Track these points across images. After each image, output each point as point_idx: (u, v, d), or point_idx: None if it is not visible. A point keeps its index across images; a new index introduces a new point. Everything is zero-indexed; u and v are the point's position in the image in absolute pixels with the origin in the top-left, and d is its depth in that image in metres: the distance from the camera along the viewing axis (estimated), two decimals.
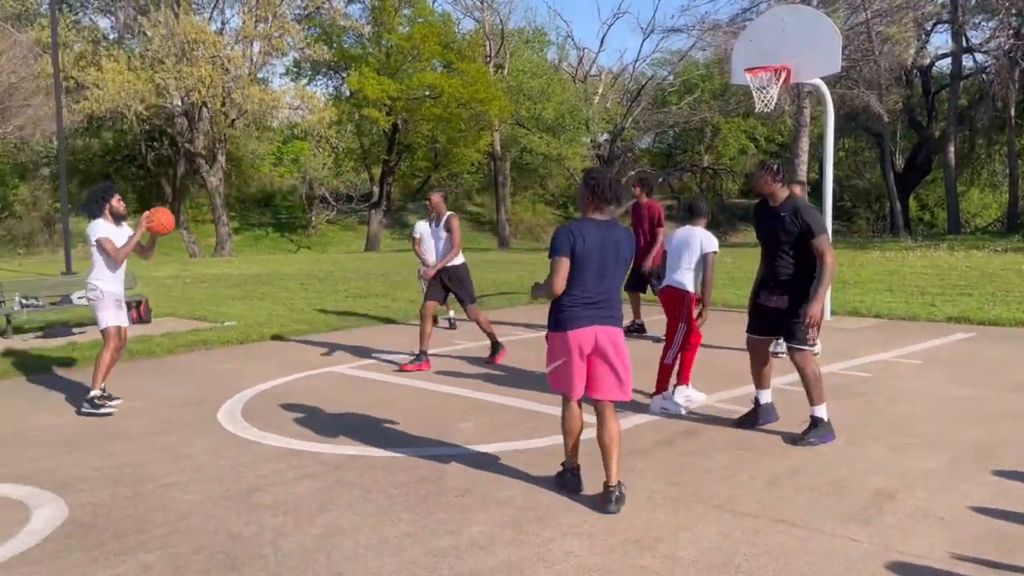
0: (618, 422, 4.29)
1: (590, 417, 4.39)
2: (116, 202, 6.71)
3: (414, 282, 16.63)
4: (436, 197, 8.34)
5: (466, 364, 8.24)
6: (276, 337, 10.05)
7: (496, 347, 8.31)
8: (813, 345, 5.34)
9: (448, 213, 8.20)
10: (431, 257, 9.20)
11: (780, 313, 5.37)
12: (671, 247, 6.46)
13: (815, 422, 5.32)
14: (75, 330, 10.57)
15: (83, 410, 6.49)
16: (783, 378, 7.09)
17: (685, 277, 6.30)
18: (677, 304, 6.30)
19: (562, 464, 4.52)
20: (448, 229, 8.10)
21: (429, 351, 8.13)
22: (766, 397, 5.67)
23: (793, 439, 5.30)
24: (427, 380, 7.48)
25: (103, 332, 6.67)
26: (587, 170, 4.36)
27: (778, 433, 5.48)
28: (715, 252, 6.29)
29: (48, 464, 5.17)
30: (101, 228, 6.58)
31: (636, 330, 9.78)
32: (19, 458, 5.32)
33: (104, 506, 4.41)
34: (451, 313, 11.06)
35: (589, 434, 4.41)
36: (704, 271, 6.29)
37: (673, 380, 6.31)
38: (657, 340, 9.35)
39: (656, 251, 9.25)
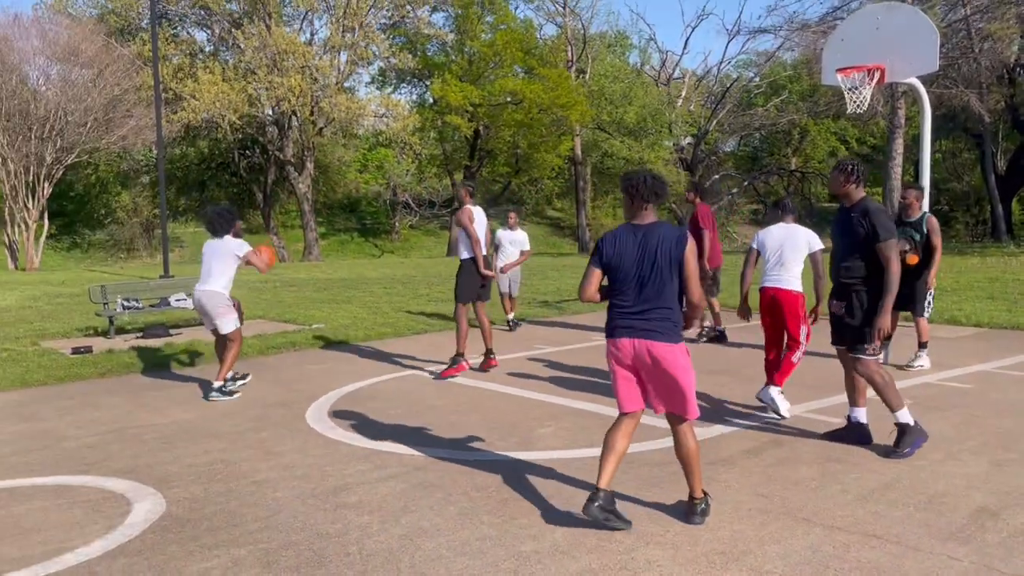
0: (693, 436, 4.08)
1: (657, 426, 4.32)
2: (239, 226, 7.59)
3: (494, 287, 16.74)
4: (461, 190, 8.07)
5: (545, 368, 8.23)
6: (340, 342, 10.25)
7: (455, 360, 7.89)
8: (873, 355, 5.11)
9: (464, 206, 7.87)
10: (499, 263, 10.58)
11: (840, 319, 5.21)
12: (766, 246, 6.30)
13: (902, 429, 5.10)
14: (172, 331, 11.02)
15: (211, 397, 7.24)
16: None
17: (794, 276, 6.16)
18: (795, 305, 6.13)
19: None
20: (458, 224, 7.89)
21: (500, 353, 8.08)
22: (860, 416, 5.39)
23: (886, 452, 5.10)
24: (507, 384, 7.50)
25: (231, 335, 7.37)
26: (623, 174, 4.18)
27: (872, 446, 5.29)
28: (823, 249, 6.18)
29: (147, 460, 5.40)
30: (245, 245, 7.43)
31: (716, 338, 9.62)
32: (122, 453, 5.57)
33: (199, 501, 4.58)
34: (511, 316, 11.15)
35: (664, 443, 4.33)
36: (816, 270, 6.16)
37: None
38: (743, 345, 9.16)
39: (706, 254, 9.34)
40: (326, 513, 4.34)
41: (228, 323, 7.37)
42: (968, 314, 10.85)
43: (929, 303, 8.06)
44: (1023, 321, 10.24)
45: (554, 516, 4.21)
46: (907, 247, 7.48)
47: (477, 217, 7.84)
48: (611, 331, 4.09)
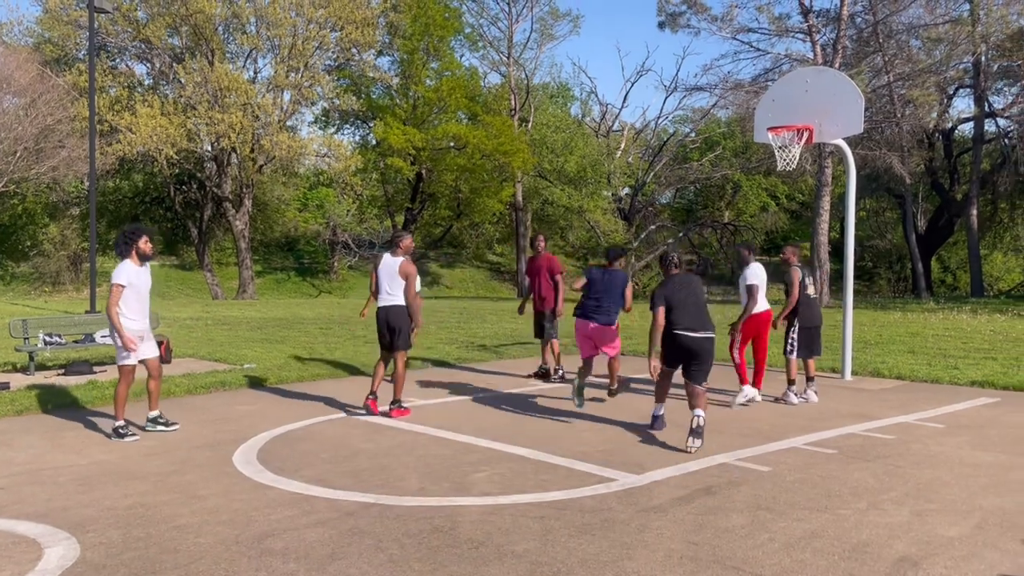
0: None
1: (591, 473, 4.33)
2: (143, 244, 7.02)
3: (434, 330, 16.66)
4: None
5: (481, 412, 8.20)
6: (272, 383, 10.06)
7: (397, 403, 8.11)
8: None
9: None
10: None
11: None
12: (743, 283, 8.81)
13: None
14: (96, 368, 10.65)
15: (147, 428, 7.18)
16: (804, 436, 7.02)
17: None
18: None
19: None
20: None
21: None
22: (658, 410, 7.45)
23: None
24: (442, 428, 7.44)
25: (120, 368, 7.01)
26: None
27: (799, 495, 5.39)
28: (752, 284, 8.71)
29: (63, 503, 5.17)
30: (121, 272, 6.87)
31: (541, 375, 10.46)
32: (35, 496, 5.32)
33: (116, 547, 4.39)
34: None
35: (594, 490, 4.33)
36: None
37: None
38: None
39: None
40: (250, 560, 4.21)
41: (117, 356, 6.95)
42: (890, 367, 11.21)
43: (789, 344, 8.92)
44: (942, 375, 10.62)
45: (486, 564, 4.17)
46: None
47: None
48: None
